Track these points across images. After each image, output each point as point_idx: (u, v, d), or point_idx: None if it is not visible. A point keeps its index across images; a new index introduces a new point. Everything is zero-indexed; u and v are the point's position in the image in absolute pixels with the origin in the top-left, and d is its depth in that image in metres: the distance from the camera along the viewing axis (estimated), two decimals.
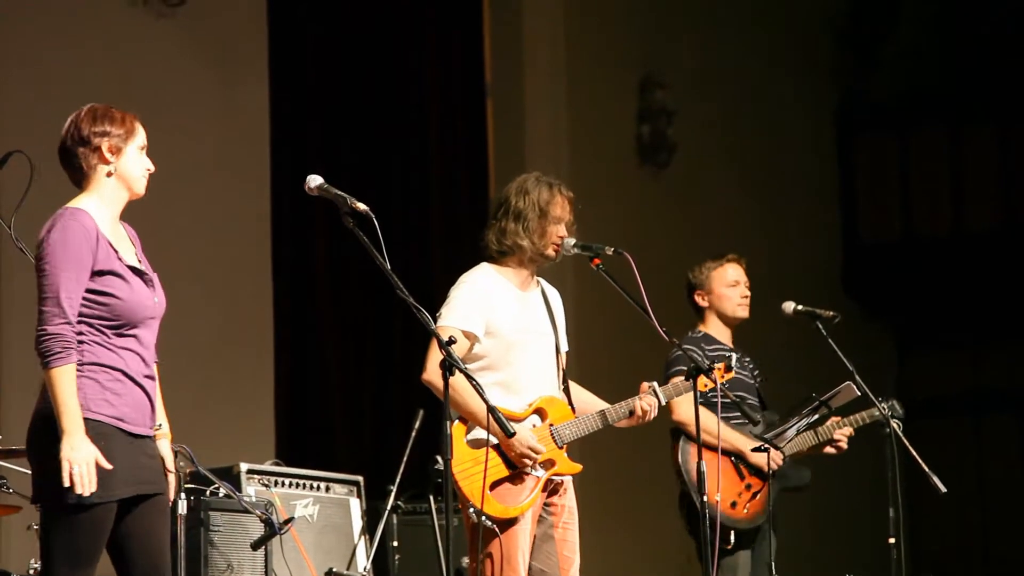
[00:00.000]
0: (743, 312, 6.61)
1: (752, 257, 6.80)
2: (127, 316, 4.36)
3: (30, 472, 4.40)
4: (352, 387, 9.90)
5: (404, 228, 9.98)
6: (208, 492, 6.12)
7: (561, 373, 5.51)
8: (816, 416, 6.05)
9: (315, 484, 7.08)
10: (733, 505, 6.31)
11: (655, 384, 5.48)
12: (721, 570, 6.28)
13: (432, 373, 5.15)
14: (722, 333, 6.63)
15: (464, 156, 10.62)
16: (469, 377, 4.64)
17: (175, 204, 8.10)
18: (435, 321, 5.18)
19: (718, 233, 11.40)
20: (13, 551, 7.50)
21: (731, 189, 12.19)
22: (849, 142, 13.72)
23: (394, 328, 9.87)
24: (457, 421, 5.20)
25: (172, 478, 4.59)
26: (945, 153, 13.52)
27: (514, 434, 4.88)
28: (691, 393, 5.76)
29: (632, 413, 5.41)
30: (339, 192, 4.68)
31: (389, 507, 7.15)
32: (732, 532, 6.28)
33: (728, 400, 5.84)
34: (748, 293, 6.61)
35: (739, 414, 6.24)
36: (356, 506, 7.20)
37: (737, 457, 6.39)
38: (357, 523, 7.18)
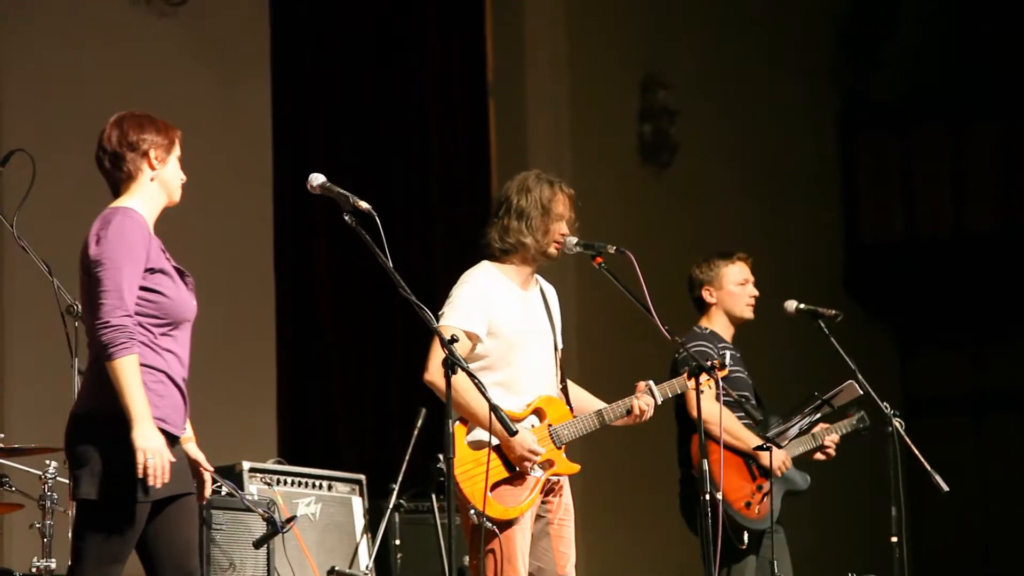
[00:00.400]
0: (749, 313, 6.60)
1: (753, 257, 6.79)
2: (173, 315, 4.44)
3: (71, 470, 4.42)
4: (354, 386, 9.90)
5: (406, 227, 9.98)
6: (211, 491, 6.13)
7: (559, 372, 5.50)
8: (818, 415, 6.05)
9: (317, 483, 7.08)
10: (748, 505, 6.30)
11: (651, 383, 5.48)
12: (731, 574, 6.27)
13: (434, 373, 5.15)
14: (726, 331, 6.61)
15: (466, 155, 10.62)
16: (471, 376, 4.64)
17: (177, 204, 8.09)
18: (437, 320, 5.18)
19: (720, 232, 11.40)
20: (15, 549, 7.50)
21: (733, 189, 12.19)
22: (850, 142, 13.72)
23: (396, 327, 9.87)
24: (457, 422, 5.20)
25: (208, 476, 4.66)
26: (946, 153, 13.52)
27: (516, 432, 4.88)
28: (707, 390, 5.77)
29: (629, 412, 5.41)
30: (341, 191, 4.68)
31: (391, 506, 7.15)
32: (745, 532, 6.27)
33: (731, 399, 5.84)
34: (756, 293, 6.60)
35: (742, 413, 6.25)
36: (358, 505, 7.21)
37: (749, 457, 6.37)
38: (359, 522, 7.18)
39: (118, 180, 4.53)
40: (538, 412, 5.35)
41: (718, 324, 6.61)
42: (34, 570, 5.61)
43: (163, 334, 4.44)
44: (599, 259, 5.37)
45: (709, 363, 5.48)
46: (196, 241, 9.02)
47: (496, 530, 5.17)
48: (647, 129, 11.78)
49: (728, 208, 12.03)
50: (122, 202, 4.49)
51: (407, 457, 7.14)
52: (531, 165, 10.29)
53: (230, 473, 6.62)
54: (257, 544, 6.02)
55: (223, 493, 6.15)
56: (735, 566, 6.27)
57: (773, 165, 12.63)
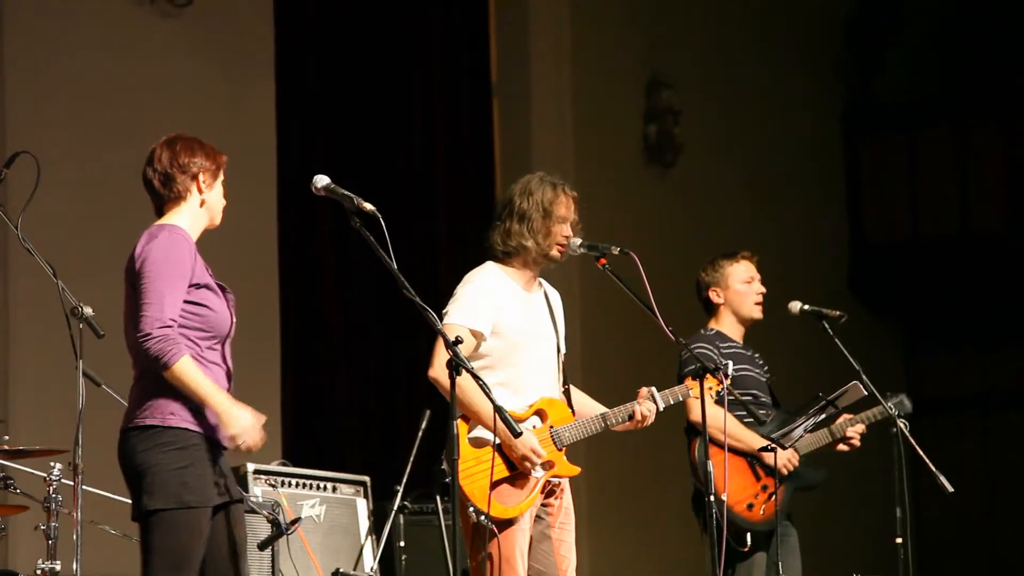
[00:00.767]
0: (758, 312, 6.58)
1: (758, 257, 6.78)
2: (218, 329, 4.60)
3: (129, 486, 4.55)
4: (359, 388, 9.90)
5: (410, 229, 9.97)
6: None
7: (561, 375, 5.50)
8: (823, 416, 6.04)
9: (322, 484, 7.08)
10: (750, 507, 6.29)
11: (654, 389, 5.48)
12: (737, 573, 6.26)
13: (438, 370, 5.16)
14: (735, 331, 6.60)
15: (470, 156, 10.62)
16: (476, 377, 4.64)
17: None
18: (441, 319, 5.18)
19: (724, 233, 11.38)
20: (20, 551, 7.50)
21: (737, 189, 12.18)
22: (855, 142, 13.71)
23: (401, 329, 9.87)
24: (459, 419, 5.20)
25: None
26: (951, 153, 13.50)
27: (521, 434, 4.88)
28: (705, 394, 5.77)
29: (631, 417, 5.41)
30: (346, 192, 4.68)
31: (396, 507, 7.15)
32: (748, 534, 6.26)
33: (733, 399, 5.83)
34: (763, 291, 6.59)
35: (746, 413, 6.24)
36: (363, 506, 7.20)
37: (753, 457, 6.36)
38: (364, 523, 7.18)
39: (166, 199, 4.68)
40: (540, 413, 5.35)
41: (726, 325, 6.60)
42: (39, 572, 5.61)
43: (208, 347, 4.58)
44: (603, 260, 5.37)
45: (713, 366, 5.47)
46: (199, 242, 9.02)
47: (495, 529, 5.17)
48: (651, 129, 11.77)
49: (732, 208, 12.03)
50: (168, 220, 4.63)
51: (411, 459, 7.14)
52: (535, 166, 10.32)
53: (234, 475, 6.61)
54: (262, 546, 6.01)
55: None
56: (741, 564, 6.26)
57: (777, 165, 12.62)
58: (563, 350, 5.52)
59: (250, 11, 9.41)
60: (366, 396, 9.93)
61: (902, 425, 6.24)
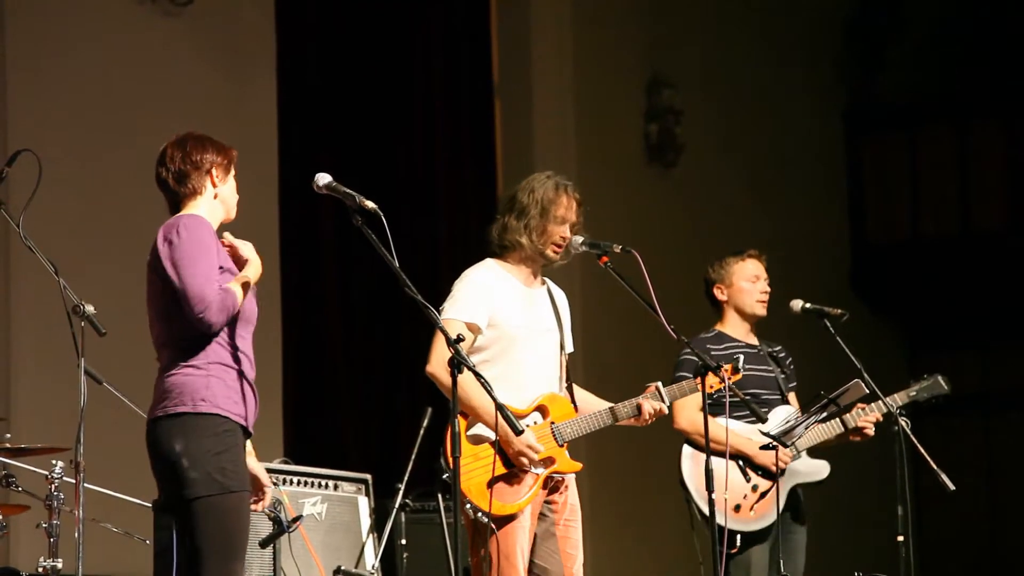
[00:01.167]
0: (761, 310, 6.57)
1: (767, 257, 6.77)
2: (244, 314, 4.68)
3: (163, 475, 4.59)
4: (360, 385, 9.90)
5: (411, 227, 9.98)
6: None
7: (564, 372, 5.50)
8: (824, 414, 6.04)
9: (323, 482, 7.08)
10: (736, 508, 6.29)
11: (660, 384, 5.48)
12: (733, 567, 6.26)
13: (436, 366, 5.16)
14: (739, 329, 6.58)
15: (471, 155, 10.62)
16: (478, 375, 4.64)
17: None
18: (439, 314, 5.18)
19: (725, 232, 11.38)
20: (22, 549, 7.51)
21: (739, 188, 12.18)
22: (857, 141, 13.71)
23: (402, 326, 9.87)
24: (459, 415, 5.19)
25: (268, 494, 4.92)
26: (953, 152, 13.50)
27: (522, 432, 4.88)
28: (691, 399, 5.77)
29: (638, 413, 5.40)
30: (348, 190, 4.69)
31: (397, 505, 7.15)
32: (738, 536, 6.26)
33: (736, 399, 5.83)
34: (768, 290, 6.59)
35: (747, 412, 6.24)
36: (364, 504, 7.21)
37: (744, 460, 6.36)
38: (365, 521, 7.18)
39: (181, 196, 4.77)
40: (541, 409, 5.35)
41: (730, 324, 6.59)
42: (40, 570, 5.61)
43: (235, 333, 4.66)
44: (605, 258, 5.37)
45: (715, 364, 5.47)
46: None
47: (494, 526, 5.17)
48: (653, 129, 11.77)
49: (734, 208, 12.03)
50: (187, 211, 4.73)
51: (413, 457, 7.14)
52: (536, 165, 10.32)
53: None
54: (263, 544, 6.02)
55: None
56: (736, 559, 6.25)
57: (779, 164, 12.62)
58: (567, 348, 5.51)
59: (251, 10, 9.41)
60: (367, 394, 9.93)
61: (903, 423, 6.24)
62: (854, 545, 11.31)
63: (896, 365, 13.34)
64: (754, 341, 6.59)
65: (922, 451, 6.15)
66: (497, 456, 5.19)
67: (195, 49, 9.06)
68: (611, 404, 5.45)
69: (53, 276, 4.88)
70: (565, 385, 5.49)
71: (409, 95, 10.33)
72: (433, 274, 9.69)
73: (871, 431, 6.45)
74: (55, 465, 5.72)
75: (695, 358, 5.81)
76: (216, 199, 4.77)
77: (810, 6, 12.89)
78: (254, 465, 4.80)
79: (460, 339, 4.68)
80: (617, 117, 11.51)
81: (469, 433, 5.25)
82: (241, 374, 4.65)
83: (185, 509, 4.55)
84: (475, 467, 5.17)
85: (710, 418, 5.62)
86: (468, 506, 5.16)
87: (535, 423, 5.32)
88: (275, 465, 7.02)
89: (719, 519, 5.47)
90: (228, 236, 4.83)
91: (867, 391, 6.00)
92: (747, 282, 6.57)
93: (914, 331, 13.82)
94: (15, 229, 4.94)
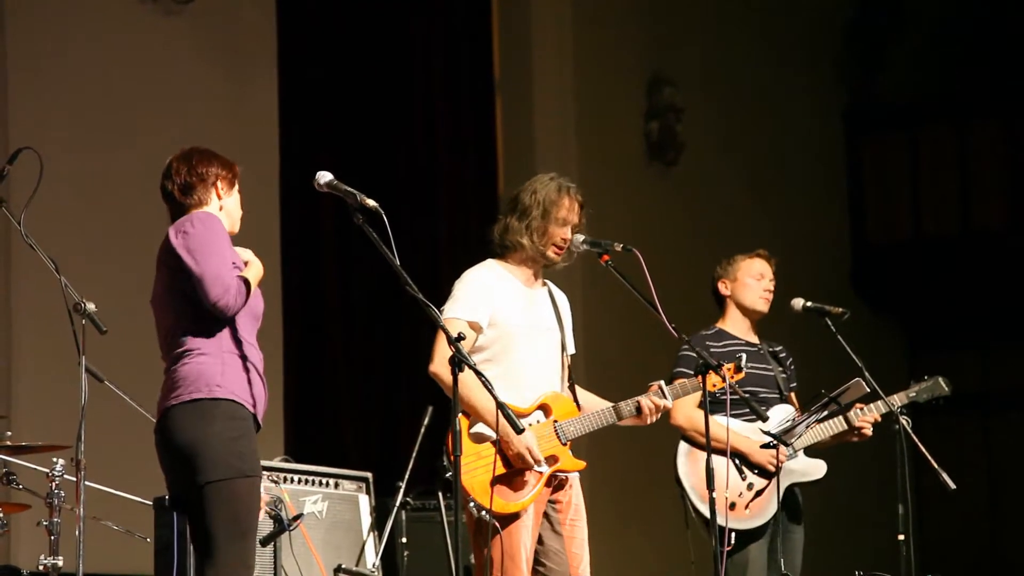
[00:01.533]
0: (763, 306, 6.58)
1: (776, 260, 6.78)
2: (255, 312, 4.80)
3: (174, 463, 4.65)
4: (361, 384, 9.91)
5: (412, 226, 9.98)
6: None
7: (566, 373, 5.49)
8: (825, 412, 6.04)
9: (324, 481, 7.08)
10: (732, 507, 6.29)
11: (662, 383, 5.48)
12: (731, 567, 6.26)
13: (439, 365, 5.16)
14: (740, 327, 6.59)
15: (472, 154, 10.62)
16: (478, 374, 4.64)
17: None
18: (440, 314, 5.18)
19: (726, 231, 11.39)
20: (23, 547, 7.51)
21: (739, 187, 12.18)
22: (857, 141, 13.71)
23: (403, 325, 9.87)
24: (461, 414, 5.19)
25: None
26: (953, 151, 13.50)
27: (523, 430, 4.87)
28: (689, 397, 5.77)
29: (639, 411, 5.40)
30: (349, 188, 4.69)
31: (398, 503, 7.15)
32: (732, 534, 6.26)
33: (737, 397, 5.83)
34: (772, 289, 6.60)
35: (747, 410, 6.23)
36: (365, 502, 7.21)
37: (740, 458, 6.37)
38: (366, 519, 7.18)
39: (186, 208, 4.83)
40: (544, 408, 5.35)
41: (731, 321, 6.60)
42: (41, 568, 5.61)
43: (246, 326, 4.75)
44: (606, 257, 5.37)
45: (716, 363, 5.47)
46: None
47: (498, 524, 5.17)
48: (653, 127, 11.77)
49: (734, 206, 12.03)
50: (199, 210, 4.82)
51: (414, 455, 7.14)
52: (538, 163, 10.32)
53: None
54: (264, 542, 6.02)
55: None
56: (734, 558, 6.25)
57: (779, 164, 12.62)
58: (569, 349, 5.51)
59: (252, 9, 9.42)
60: (368, 393, 9.93)
61: (904, 422, 6.24)
62: (855, 544, 11.31)
63: (896, 364, 13.34)
64: (754, 339, 6.59)
65: (923, 450, 6.15)
66: (499, 455, 5.19)
67: (196, 48, 9.07)
68: (613, 403, 5.46)
69: (54, 274, 4.89)
70: (567, 385, 5.49)
71: (410, 94, 10.33)
72: (434, 273, 9.69)
73: (869, 431, 6.45)
74: (56, 463, 5.72)
75: (694, 355, 5.82)
76: (221, 211, 4.84)
77: (810, 6, 12.89)
78: None
79: (461, 337, 4.67)
80: (618, 116, 11.51)
81: (471, 432, 5.25)
82: (253, 366, 4.74)
83: (198, 494, 4.59)
84: (478, 465, 5.17)
85: (702, 416, 5.62)
86: (472, 505, 5.16)
87: (538, 422, 5.32)
88: (276, 463, 7.02)
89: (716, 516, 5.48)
90: None
91: (867, 390, 6.00)
92: (752, 278, 6.58)
93: (914, 331, 13.81)
94: (16, 227, 4.94)
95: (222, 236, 4.72)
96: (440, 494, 7.25)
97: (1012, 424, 13.50)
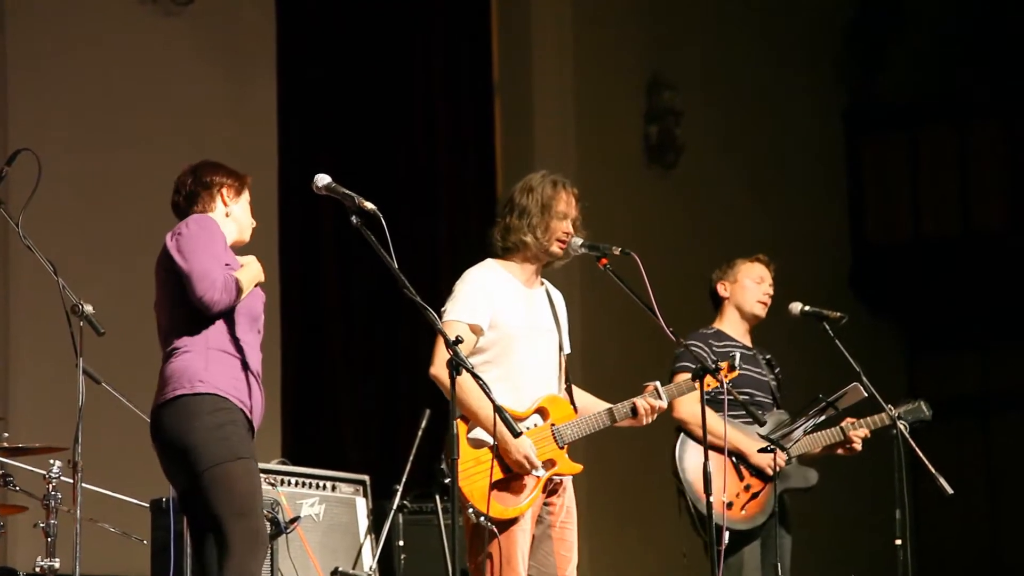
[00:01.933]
0: (761, 310, 6.60)
1: (776, 266, 6.78)
2: (250, 312, 4.80)
3: (170, 458, 4.67)
4: (359, 386, 9.90)
5: (411, 228, 9.98)
6: None
7: (563, 374, 5.50)
8: (823, 417, 6.04)
9: (321, 483, 7.08)
10: (729, 506, 6.30)
11: (658, 384, 5.48)
12: (725, 569, 6.26)
13: (439, 368, 5.16)
14: (737, 329, 6.61)
15: (471, 155, 10.61)
16: (476, 377, 4.63)
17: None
18: (440, 317, 5.18)
19: (725, 233, 11.38)
20: (20, 549, 7.50)
21: (739, 189, 12.18)
22: (857, 141, 13.69)
23: (401, 328, 9.87)
24: (459, 419, 5.19)
25: None
26: (953, 152, 13.49)
27: (520, 434, 4.87)
28: (694, 392, 5.77)
29: (635, 412, 5.40)
30: (347, 191, 4.69)
31: (395, 506, 7.15)
32: (727, 533, 6.26)
33: (733, 399, 5.83)
34: (771, 293, 6.62)
35: (744, 413, 6.23)
36: (362, 505, 7.20)
37: (738, 457, 6.37)
38: (363, 522, 7.18)
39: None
40: (541, 411, 5.35)
41: (728, 323, 6.61)
42: (38, 569, 5.61)
43: (240, 326, 4.75)
44: (604, 260, 5.37)
45: (714, 364, 5.48)
46: None
47: (495, 530, 5.17)
48: (653, 130, 11.77)
49: (734, 209, 12.02)
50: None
51: (411, 458, 7.14)
52: (537, 165, 10.30)
53: None
54: None
55: None
56: (728, 561, 6.25)
57: (779, 165, 12.61)
58: (566, 350, 5.52)
59: (252, 10, 9.41)
60: (366, 395, 9.92)
61: (902, 426, 6.24)
62: (852, 549, 11.31)
63: (896, 366, 13.34)
64: (749, 343, 6.61)
65: (920, 455, 6.15)
66: (497, 460, 5.19)
67: (195, 49, 9.06)
68: (610, 405, 5.46)
69: (52, 276, 4.88)
70: (564, 386, 5.49)
71: (409, 95, 10.33)
72: (433, 275, 9.69)
73: (859, 446, 6.48)
74: (53, 465, 5.71)
75: (693, 355, 5.83)
76: (228, 218, 4.87)
77: (810, 7, 12.88)
78: None
79: (459, 340, 4.67)
80: (617, 118, 11.51)
81: (470, 436, 5.25)
82: (246, 366, 4.74)
83: (196, 484, 4.62)
84: (477, 471, 5.16)
85: (709, 411, 5.61)
86: (471, 510, 5.16)
87: (535, 425, 5.32)
88: (273, 466, 7.02)
89: (707, 514, 5.48)
90: None
91: (865, 394, 6.00)
92: (752, 281, 6.61)
93: (914, 332, 13.80)
94: (14, 228, 4.94)
95: (214, 235, 4.72)
96: (437, 497, 7.25)
97: (1012, 426, 13.48)
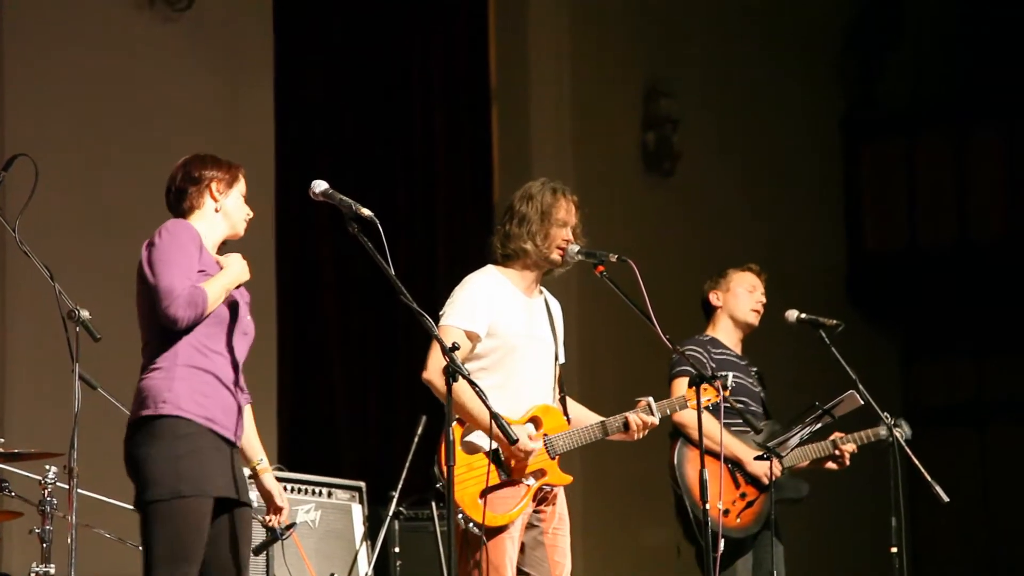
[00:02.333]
0: (754, 318, 6.62)
1: (756, 265, 6.80)
2: (223, 320, 4.64)
3: (135, 480, 4.61)
4: (355, 393, 9.90)
5: (408, 234, 9.98)
6: None
7: (557, 384, 5.50)
8: (819, 425, 6.04)
9: (317, 490, 7.08)
10: (725, 513, 6.30)
11: (651, 399, 5.48)
12: None
13: (432, 372, 5.17)
14: (730, 338, 6.62)
15: (469, 163, 10.62)
16: (473, 384, 4.64)
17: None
18: (438, 320, 5.19)
19: (722, 241, 11.39)
20: (15, 555, 7.50)
21: (736, 197, 12.18)
22: (854, 150, 13.70)
23: (398, 334, 9.87)
24: (455, 423, 5.19)
25: (286, 509, 4.87)
26: (950, 162, 13.50)
27: (517, 440, 4.88)
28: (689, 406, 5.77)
29: (627, 427, 5.40)
30: (344, 198, 4.69)
31: (391, 513, 7.14)
32: (723, 540, 6.27)
33: (730, 407, 5.83)
34: (763, 301, 6.63)
35: (741, 421, 6.24)
36: (358, 512, 7.20)
37: (734, 465, 6.38)
38: (359, 529, 7.18)
39: (183, 213, 4.77)
40: (535, 421, 5.35)
41: (722, 331, 6.63)
42: (33, 575, 5.60)
43: (213, 336, 4.61)
44: (601, 268, 5.38)
45: (711, 372, 5.48)
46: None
47: (484, 537, 5.17)
48: (650, 138, 11.77)
49: (731, 217, 12.03)
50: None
51: (407, 464, 7.14)
52: (534, 173, 10.29)
53: None
54: (256, 551, 5.99)
55: None
56: (722, 573, 6.26)
57: (776, 173, 12.62)
58: (561, 359, 5.52)
59: (250, 16, 9.41)
60: (363, 402, 9.92)
61: (898, 434, 6.24)
62: (847, 557, 11.31)
63: (892, 374, 13.34)
64: (740, 353, 6.63)
65: (916, 462, 6.15)
66: (491, 466, 5.19)
67: (193, 55, 9.06)
68: (602, 418, 5.46)
69: (48, 281, 4.88)
70: (559, 396, 5.49)
71: (407, 102, 10.34)
72: (429, 282, 9.70)
73: (847, 460, 6.50)
74: (48, 470, 5.70)
75: (692, 362, 5.85)
76: (217, 213, 4.77)
77: (808, 14, 12.90)
78: (270, 483, 4.81)
79: (456, 347, 4.68)
80: (614, 125, 11.51)
81: (465, 441, 5.26)
82: (217, 378, 4.59)
83: (142, 512, 4.53)
84: (468, 477, 5.17)
85: (707, 416, 5.62)
86: (460, 516, 5.16)
87: (529, 436, 5.31)
88: None
89: (709, 522, 5.48)
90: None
91: (861, 402, 6.00)
92: (744, 289, 6.62)
93: (910, 340, 13.81)
94: (11, 234, 4.94)
95: (185, 244, 4.61)
96: (433, 504, 7.25)
97: (1008, 435, 13.48)
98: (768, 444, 6.05)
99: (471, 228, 10.02)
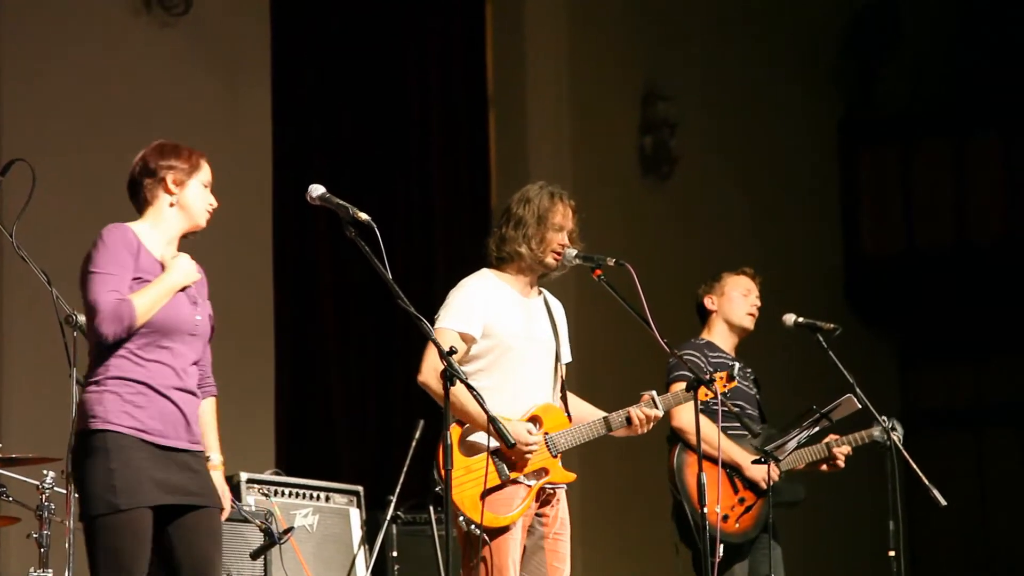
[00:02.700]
0: (749, 322, 6.62)
1: (753, 269, 6.80)
2: (159, 327, 4.49)
3: (78, 496, 4.52)
4: (353, 397, 9.89)
5: (406, 239, 9.98)
6: None
7: (560, 383, 5.50)
8: (816, 428, 6.04)
9: (315, 494, 7.08)
10: (725, 519, 6.30)
11: (654, 393, 5.48)
12: None
13: (427, 375, 5.18)
14: (726, 341, 6.63)
15: (466, 167, 10.62)
16: (470, 387, 4.64)
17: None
18: (433, 323, 5.19)
19: (720, 245, 11.39)
20: (12, 560, 7.49)
21: (733, 201, 12.19)
22: (852, 153, 13.71)
23: (396, 337, 9.86)
24: (453, 424, 5.19)
25: (226, 513, 4.76)
26: (948, 165, 13.51)
27: (514, 444, 4.87)
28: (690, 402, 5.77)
29: (630, 422, 5.40)
30: (341, 202, 4.69)
31: (389, 517, 7.14)
32: (721, 546, 6.27)
33: (728, 410, 5.83)
34: (758, 304, 6.63)
35: (739, 424, 6.24)
36: (356, 516, 7.20)
37: (732, 470, 6.38)
38: (357, 533, 7.17)
39: (139, 206, 4.68)
40: (535, 420, 5.35)
41: (718, 335, 6.63)
42: None
43: (147, 344, 4.48)
44: (598, 271, 5.38)
45: (708, 376, 5.48)
46: (195, 249, 8.99)
47: (486, 538, 5.17)
48: (647, 141, 11.78)
49: (728, 220, 12.03)
50: (135, 222, 4.63)
51: (405, 468, 7.13)
52: (532, 177, 10.28)
53: (228, 484, 6.60)
54: (254, 555, 6.01)
55: None
56: None
57: (774, 176, 12.63)
58: (565, 359, 5.52)
59: (247, 20, 9.41)
60: (360, 406, 9.92)
61: (896, 438, 6.25)
62: (844, 561, 11.31)
63: (889, 378, 13.34)
64: (735, 356, 6.63)
65: (914, 466, 6.15)
66: (489, 467, 5.19)
67: (190, 59, 9.06)
68: (605, 414, 5.46)
69: (46, 286, 4.88)
70: (560, 395, 5.49)
71: (404, 106, 10.33)
72: (426, 286, 9.69)
73: (842, 463, 6.50)
74: (46, 475, 5.70)
75: (689, 364, 5.85)
76: (173, 207, 4.64)
77: (806, 18, 12.90)
78: (216, 481, 4.72)
79: (453, 351, 4.67)
80: (612, 129, 11.52)
81: (464, 442, 5.26)
82: (150, 387, 4.49)
83: (84, 527, 4.47)
84: (468, 479, 5.17)
85: (705, 421, 5.61)
86: (461, 519, 5.16)
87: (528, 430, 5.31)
88: (266, 476, 7.01)
89: (708, 526, 5.48)
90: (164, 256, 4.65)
91: (859, 406, 6.01)
92: (739, 293, 6.62)
93: (908, 344, 13.81)
94: (8, 238, 4.94)
95: (117, 253, 4.49)
96: (431, 508, 7.25)
97: (1006, 439, 13.49)
98: (766, 448, 6.05)
99: (468, 231, 10.02)
